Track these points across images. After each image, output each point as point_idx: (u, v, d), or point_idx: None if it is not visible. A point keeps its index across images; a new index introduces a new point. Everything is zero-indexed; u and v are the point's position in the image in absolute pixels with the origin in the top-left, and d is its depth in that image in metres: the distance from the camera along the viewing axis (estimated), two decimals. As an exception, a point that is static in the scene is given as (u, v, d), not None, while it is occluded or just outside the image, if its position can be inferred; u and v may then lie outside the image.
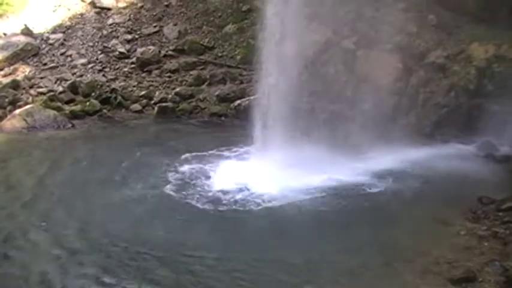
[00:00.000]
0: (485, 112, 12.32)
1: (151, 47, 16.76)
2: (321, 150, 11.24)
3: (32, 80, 15.82)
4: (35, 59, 16.34)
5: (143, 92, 15.73)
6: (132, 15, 17.64)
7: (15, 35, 16.97)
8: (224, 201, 10.02)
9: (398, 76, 13.51)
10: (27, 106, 14.55)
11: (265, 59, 12.59)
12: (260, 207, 9.85)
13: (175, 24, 17.49)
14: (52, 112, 14.48)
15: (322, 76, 13.93)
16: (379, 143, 11.71)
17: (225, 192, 10.28)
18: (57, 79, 15.90)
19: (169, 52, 16.79)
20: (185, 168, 11.45)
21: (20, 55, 16.49)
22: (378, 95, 13.23)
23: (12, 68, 16.15)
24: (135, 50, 16.77)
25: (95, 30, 17.27)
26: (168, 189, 10.48)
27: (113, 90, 15.64)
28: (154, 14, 17.73)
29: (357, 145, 11.73)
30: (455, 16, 13.23)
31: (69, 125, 14.34)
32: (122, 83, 15.98)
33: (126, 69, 16.41)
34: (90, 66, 16.41)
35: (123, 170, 11.48)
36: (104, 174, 11.31)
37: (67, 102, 15.31)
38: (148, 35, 17.26)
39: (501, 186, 10.50)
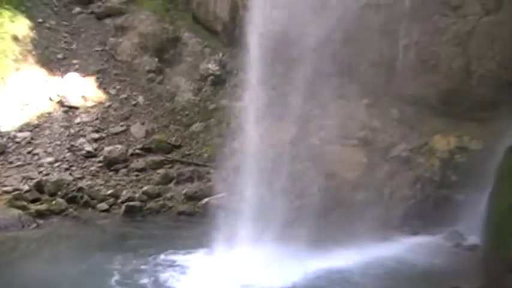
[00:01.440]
0: (451, 202, 12.51)
1: (119, 146, 16.78)
2: (285, 248, 11.26)
3: (-3, 179, 15.63)
4: (1, 158, 16.15)
5: (110, 191, 15.56)
6: (99, 114, 17.76)
7: (-18, 134, 16.91)
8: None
9: (364, 170, 13.73)
10: (-10, 205, 14.28)
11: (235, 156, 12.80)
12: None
13: (142, 123, 17.65)
14: (17, 211, 14.15)
15: (290, 172, 14.09)
16: (346, 238, 11.74)
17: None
18: (23, 178, 15.68)
19: (137, 151, 16.81)
20: (150, 272, 11.23)
21: (-14, 154, 16.35)
22: (345, 189, 13.44)
23: (-24, 168, 15.98)
24: (103, 149, 16.73)
25: (62, 129, 17.25)
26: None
27: (80, 189, 15.46)
28: (121, 113, 17.90)
29: (322, 241, 11.74)
30: (417, 110, 13.66)
31: (34, 225, 13.98)
32: (89, 182, 15.81)
33: (93, 168, 16.31)
34: (56, 164, 16.26)
35: (78, 276, 11.17)
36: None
37: (32, 201, 14.99)
38: (116, 133, 17.33)
39: (471, 276, 10.53)
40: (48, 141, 16.85)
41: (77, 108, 17.86)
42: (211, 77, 17.91)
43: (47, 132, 17.09)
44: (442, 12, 12.82)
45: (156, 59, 18.86)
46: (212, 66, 18.04)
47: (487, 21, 12.36)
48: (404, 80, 13.55)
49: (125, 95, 18.46)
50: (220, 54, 18.19)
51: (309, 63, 13.12)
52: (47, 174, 15.92)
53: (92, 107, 17.95)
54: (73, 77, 18.52)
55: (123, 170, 16.34)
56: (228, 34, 17.58)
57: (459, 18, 12.69)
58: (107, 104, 18.11)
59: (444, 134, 13.16)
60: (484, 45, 12.43)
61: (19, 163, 16.14)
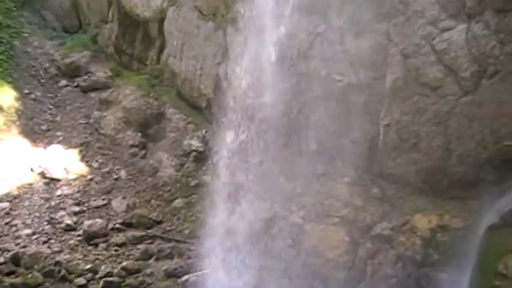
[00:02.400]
0: (433, 281, 12.42)
1: (99, 220, 16.63)
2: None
3: (-28, 251, 15.36)
4: (-22, 228, 16.01)
5: (88, 266, 15.31)
6: (81, 187, 17.70)
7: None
8: None
9: (345, 249, 13.70)
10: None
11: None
12: None
13: (124, 198, 17.57)
14: (-9, 286, 13.96)
15: (270, 251, 14.07)
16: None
17: None
18: (-1, 249, 15.50)
19: (117, 225, 16.66)
20: None
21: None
22: (326, 268, 13.37)
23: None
24: (83, 223, 16.57)
25: (42, 200, 17.14)
26: None
27: (57, 263, 15.20)
28: (103, 186, 17.86)
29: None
30: (398, 188, 13.74)
31: (8, 299, 13.78)
32: (67, 256, 15.56)
33: (72, 242, 16.09)
34: (35, 237, 16.05)
35: None
36: None
37: (7, 274, 14.74)
38: (97, 207, 17.22)
39: None
40: (28, 213, 16.72)
41: (58, 180, 17.82)
42: (194, 153, 18.00)
43: (27, 203, 16.98)
44: (422, 93, 13.07)
45: (140, 134, 18.97)
46: (195, 143, 18.15)
47: (466, 101, 12.60)
48: (385, 159, 13.69)
49: (107, 169, 18.47)
50: (204, 131, 18.34)
51: (291, 142, 13.29)
52: (24, 247, 15.71)
53: (73, 180, 17.92)
54: (56, 149, 18.59)
55: (103, 245, 16.14)
56: (212, 111, 17.78)
57: (439, 98, 12.93)
58: (89, 177, 18.10)
59: (425, 213, 13.19)
60: (463, 125, 12.64)
61: (-4, 234, 15.98)
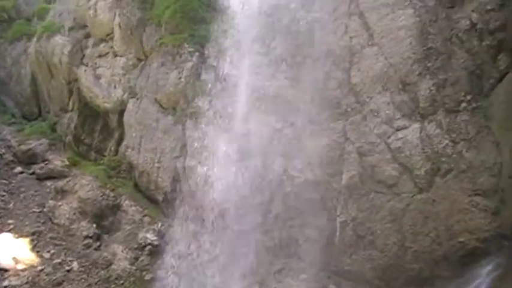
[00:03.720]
0: None
1: (49, 316, 16.10)
2: None
3: None
4: None
5: None
6: (30, 278, 17.04)
7: None
8: None
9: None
10: None
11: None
12: None
13: (75, 293, 17.08)
14: None
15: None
16: None
17: None
18: None
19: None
20: None
21: None
22: None
23: None
24: (31, 320, 16.03)
25: (-13, 292, 16.55)
26: None
27: None
28: (54, 278, 17.25)
29: None
30: (354, 285, 13.68)
31: None
32: None
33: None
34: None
35: None
36: None
37: None
38: (46, 301, 16.68)
39: None
40: (-29, 306, 16.07)
41: (6, 270, 17.22)
42: (149, 246, 17.66)
43: (-30, 295, 16.35)
44: (377, 190, 13.27)
45: (94, 225, 18.60)
46: (151, 236, 17.85)
47: (421, 198, 12.81)
48: (342, 256, 13.70)
49: (59, 260, 17.94)
50: (160, 224, 18.09)
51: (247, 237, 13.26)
52: None
53: (22, 270, 17.32)
54: (6, 237, 18.05)
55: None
56: (169, 204, 17.63)
57: (394, 195, 13.12)
58: (39, 268, 17.53)
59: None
60: (418, 222, 12.79)
61: None
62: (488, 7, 11.77)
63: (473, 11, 12.08)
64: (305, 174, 14.01)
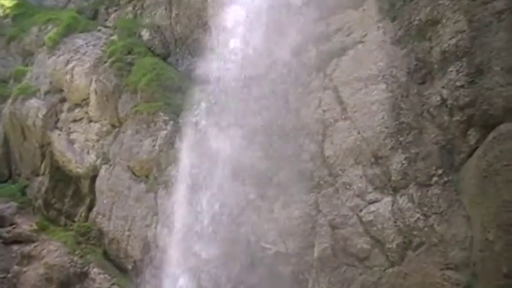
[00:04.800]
0: None
1: None
2: None
3: None
4: None
5: None
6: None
7: None
8: None
9: None
10: None
11: None
12: None
13: None
14: None
15: None
16: None
17: None
18: None
19: None
20: None
21: None
22: None
23: None
24: None
25: None
26: None
27: None
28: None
29: None
30: None
31: None
32: None
33: None
34: None
35: None
36: None
37: None
38: None
39: None
40: None
41: None
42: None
43: None
44: (349, 263, 13.17)
45: (61, 293, 18.25)
46: (117, 303, 17.59)
47: (392, 272, 12.70)
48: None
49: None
50: (128, 292, 17.82)
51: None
52: None
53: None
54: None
55: None
56: (138, 273, 17.34)
57: (366, 269, 13.02)
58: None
59: None
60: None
61: None
62: (458, 84, 11.92)
63: (443, 87, 12.21)
64: (277, 246, 13.90)
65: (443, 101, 12.25)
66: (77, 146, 20.65)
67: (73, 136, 20.93)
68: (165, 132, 17.24)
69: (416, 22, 12.93)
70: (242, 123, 14.88)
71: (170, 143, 16.98)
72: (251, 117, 14.76)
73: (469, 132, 11.94)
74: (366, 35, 13.71)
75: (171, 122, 17.25)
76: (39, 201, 21.74)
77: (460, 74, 11.80)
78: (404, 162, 12.71)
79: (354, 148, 13.33)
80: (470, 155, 12.00)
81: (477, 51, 11.61)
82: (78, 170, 20.31)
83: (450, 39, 12.08)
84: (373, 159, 13.09)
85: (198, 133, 15.72)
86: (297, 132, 14.08)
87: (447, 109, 12.18)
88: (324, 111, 13.93)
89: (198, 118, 15.89)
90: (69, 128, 21.14)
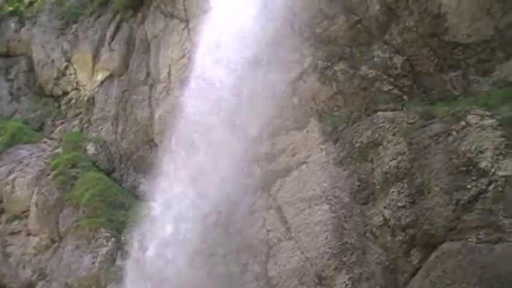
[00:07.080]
0: None
1: None
2: None
3: None
4: None
5: None
6: None
7: None
8: None
9: None
10: None
11: None
12: None
13: None
14: None
15: None
16: None
17: None
18: None
19: None
20: None
21: None
22: None
23: None
24: None
25: None
26: None
27: None
28: None
29: None
30: None
31: None
32: None
33: None
34: None
35: None
36: None
37: None
38: None
39: None
40: None
41: None
42: None
43: None
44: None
45: None
46: None
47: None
48: None
49: None
50: None
51: None
52: None
53: None
54: None
55: None
56: None
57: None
58: None
59: None
60: None
61: None
62: (400, 204, 12.15)
63: (385, 207, 12.41)
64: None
65: (386, 221, 12.41)
66: (12, 260, 19.90)
67: (9, 249, 20.21)
68: (106, 249, 16.86)
69: (358, 144, 13.32)
70: (182, 239, 14.72)
71: (111, 260, 16.59)
72: (191, 237, 14.63)
73: (411, 252, 12.05)
74: (309, 156, 13.99)
75: (113, 239, 16.93)
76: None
77: (402, 195, 12.08)
78: (348, 282, 12.65)
79: (297, 269, 13.24)
80: (413, 274, 12.05)
81: (417, 173, 11.98)
82: (13, 285, 19.49)
83: (391, 160, 12.47)
84: (317, 280, 13.00)
85: (141, 251, 15.45)
86: (240, 253, 13.96)
87: (390, 229, 12.32)
88: (268, 231, 13.91)
89: (141, 236, 15.68)
90: (6, 241, 20.43)
